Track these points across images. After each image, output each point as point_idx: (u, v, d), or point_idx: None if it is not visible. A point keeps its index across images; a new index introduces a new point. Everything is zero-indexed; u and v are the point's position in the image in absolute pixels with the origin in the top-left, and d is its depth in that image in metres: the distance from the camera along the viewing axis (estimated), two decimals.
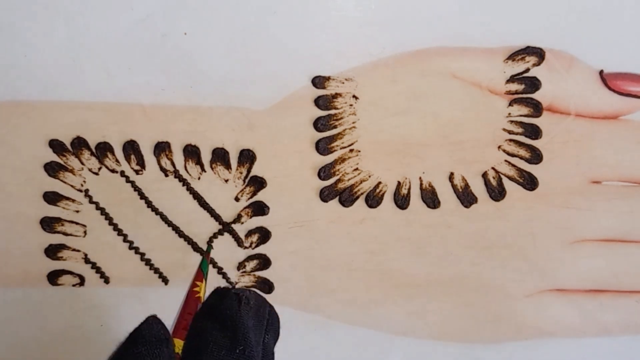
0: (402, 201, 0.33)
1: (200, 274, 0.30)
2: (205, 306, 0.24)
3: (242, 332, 0.23)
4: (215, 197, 0.33)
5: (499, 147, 0.34)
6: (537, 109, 0.33)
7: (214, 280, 0.34)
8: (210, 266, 0.33)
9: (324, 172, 0.33)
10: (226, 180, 0.33)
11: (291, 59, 0.32)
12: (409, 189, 0.33)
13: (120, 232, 0.33)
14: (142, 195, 0.33)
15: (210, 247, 0.33)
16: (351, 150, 0.33)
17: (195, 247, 0.33)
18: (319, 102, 0.33)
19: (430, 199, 0.33)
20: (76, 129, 0.32)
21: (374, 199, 0.33)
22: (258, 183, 0.33)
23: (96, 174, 0.33)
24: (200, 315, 0.24)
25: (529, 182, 0.34)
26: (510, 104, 0.33)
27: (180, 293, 0.34)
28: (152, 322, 0.23)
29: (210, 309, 0.24)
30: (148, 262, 0.33)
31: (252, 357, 0.23)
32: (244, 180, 0.33)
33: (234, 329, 0.23)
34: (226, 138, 0.33)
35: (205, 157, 0.33)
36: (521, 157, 0.34)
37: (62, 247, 0.33)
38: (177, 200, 0.33)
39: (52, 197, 0.32)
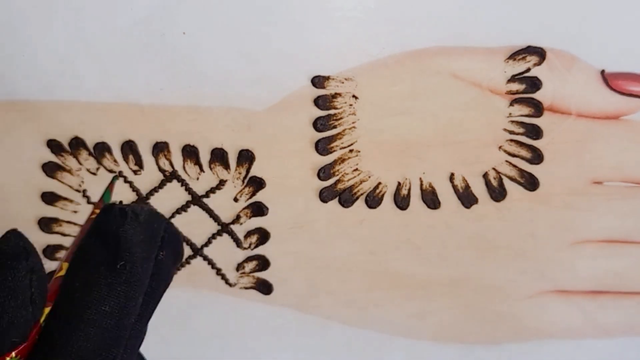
0: (402, 202, 0.33)
1: (100, 203, 0.28)
2: (92, 224, 0.23)
3: (125, 247, 0.21)
4: (214, 197, 0.33)
5: (500, 147, 0.33)
6: (538, 109, 0.33)
7: (213, 280, 0.34)
8: (210, 267, 0.33)
9: (324, 173, 0.33)
10: (224, 181, 0.33)
11: (290, 58, 0.32)
12: (409, 189, 0.33)
13: None
14: (140, 196, 0.33)
15: (115, 178, 0.32)
16: (351, 151, 0.33)
17: (194, 248, 0.33)
18: (319, 102, 0.32)
19: (431, 199, 0.33)
20: (74, 129, 0.32)
21: (373, 200, 0.33)
22: (257, 183, 0.33)
23: (94, 174, 0.33)
24: (86, 233, 0.23)
25: (530, 183, 0.34)
26: (511, 104, 0.33)
27: (178, 293, 0.34)
28: (10, 236, 0.21)
29: (96, 226, 0.23)
30: None
31: (136, 274, 0.21)
32: (243, 181, 0.33)
33: (115, 244, 0.21)
34: (225, 138, 0.33)
35: (204, 158, 0.33)
36: (522, 158, 0.33)
37: (60, 247, 0.33)
38: (175, 201, 0.33)
39: (49, 198, 0.32)
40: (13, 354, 0.20)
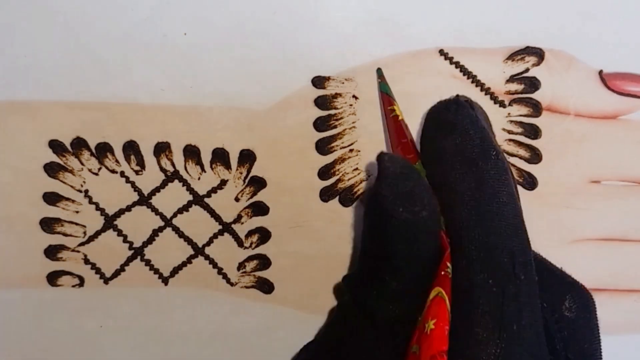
0: None
1: (387, 97, 0.28)
2: (435, 122, 0.23)
3: (487, 137, 0.21)
4: (215, 197, 0.33)
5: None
6: (536, 109, 0.33)
7: (214, 279, 0.34)
8: (211, 266, 0.33)
9: (324, 172, 0.33)
10: (225, 181, 0.33)
11: (291, 59, 0.32)
12: None
13: (120, 232, 0.33)
14: (142, 196, 0.33)
15: (379, 69, 0.32)
16: (351, 150, 0.33)
17: (195, 248, 0.33)
18: (319, 102, 0.33)
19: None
20: (76, 129, 0.32)
21: None
22: (258, 183, 0.33)
23: (96, 174, 0.33)
24: (434, 134, 0.23)
25: (529, 182, 0.34)
26: (509, 104, 0.33)
27: (180, 294, 0.34)
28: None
29: (444, 123, 0.22)
30: (148, 263, 0.33)
31: (505, 160, 0.22)
32: (244, 181, 0.33)
33: (480, 137, 0.21)
34: (226, 138, 0.33)
35: (205, 158, 0.33)
36: (521, 157, 0.34)
37: (62, 247, 0.33)
38: (177, 201, 0.33)
39: (51, 198, 0.32)
40: (448, 263, 0.20)
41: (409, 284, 0.21)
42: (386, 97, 0.29)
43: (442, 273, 0.21)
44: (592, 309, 0.24)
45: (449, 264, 0.21)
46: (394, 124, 0.28)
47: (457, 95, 0.23)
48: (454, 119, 0.23)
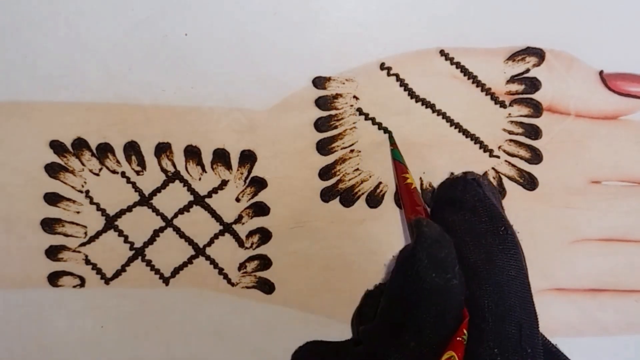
0: None
1: (400, 165, 0.29)
2: (444, 198, 0.23)
3: (497, 212, 0.22)
4: (216, 197, 0.33)
5: (499, 147, 0.34)
6: (537, 109, 0.33)
7: (215, 280, 0.34)
8: (211, 267, 0.34)
9: (325, 173, 0.33)
10: (226, 181, 0.33)
11: (292, 59, 0.32)
12: None
13: (120, 233, 0.33)
14: (142, 196, 0.33)
15: (391, 135, 0.32)
16: (352, 151, 0.33)
17: (196, 248, 0.33)
18: (320, 102, 0.33)
19: (431, 199, 0.33)
20: (77, 129, 0.32)
21: (374, 199, 0.33)
22: (259, 184, 0.33)
23: (97, 174, 0.33)
24: (444, 208, 0.23)
25: (529, 183, 0.34)
26: (510, 105, 0.33)
27: (181, 294, 0.34)
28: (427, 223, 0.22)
29: (453, 200, 0.23)
30: (149, 263, 0.33)
31: (514, 234, 0.22)
32: (245, 181, 0.33)
33: (489, 214, 0.22)
34: (227, 139, 0.33)
35: (206, 158, 0.33)
36: (521, 158, 0.34)
37: (63, 248, 0.33)
38: (177, 201, 0.33)
39: (52, 198, 0.32)
40: (464, 330, 0.21)
41: (427, 346, 0.21)
42: (399, 165, 0.30)
43: (458, 339, 0.21)
44: None
45: (465, 331, 0.22)
46: (407, 191, 0.29)
47: (465, 173, 0.24)
48: (462, 197, 0.23)
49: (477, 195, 0.23)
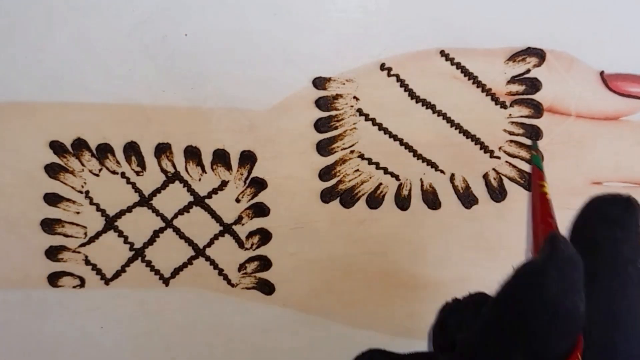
0: (403, 202, 0.33)
1: (539, 171, 0.29)
2: (598, 215, 0.23)
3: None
4: (216, 198, 0.33)
5: (500, 148, 0.34)
6: (537, 110, 0.33)
7: (215, 281, 0.34)
8: (211, 267, 0.33)
9: (325, 173, 0.33)
10: (226, 182, 0.33)
11: (292, 60, 0.32)
12: (410, 190, 0.33)
13: (120, 233, 0.33)
14: (142, 197, 0.33)
15: (535, 141, 0.33)
16: (352, 152, 0.33)
17: (196, 249, 0.33)
18: (320, 103, 0.33)
19: (431, 200, 0.33)
20: (77, 130, 0.32)
21: (374, 200, 0.33)
22: (259, 184, 0.33)
23: (97, 175, 0.33)
24: (593, 224, 0.22)
25: (530, 183, 0.34)
26: (511, 105, 0.33)
27: (180, 294, 0.34)
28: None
29: (609, 217, 0.22)
30: (149, 264, 0.33)
31: None
32: (245, 182, 0.33)
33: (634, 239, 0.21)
34: (227, 139, 0.33)
35: (206, 159, 0.33)
36: (522, 158, 0.34)
37: (63, 248, 0.33)
38: (177, 202, 0.33)
39: (52, 199, 0.32)
40: (579, 355, 0.20)
41: None
42: (537, 171, 0.30)
43: None
44: None
45: (579, 356, 0.21)
46: (541, 199, 0.28)
47: (630, 195, 0.23)
48: (621, 216, 0.22)
49: (637, 219, 0.22)
